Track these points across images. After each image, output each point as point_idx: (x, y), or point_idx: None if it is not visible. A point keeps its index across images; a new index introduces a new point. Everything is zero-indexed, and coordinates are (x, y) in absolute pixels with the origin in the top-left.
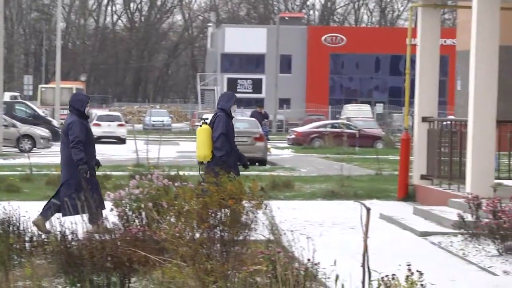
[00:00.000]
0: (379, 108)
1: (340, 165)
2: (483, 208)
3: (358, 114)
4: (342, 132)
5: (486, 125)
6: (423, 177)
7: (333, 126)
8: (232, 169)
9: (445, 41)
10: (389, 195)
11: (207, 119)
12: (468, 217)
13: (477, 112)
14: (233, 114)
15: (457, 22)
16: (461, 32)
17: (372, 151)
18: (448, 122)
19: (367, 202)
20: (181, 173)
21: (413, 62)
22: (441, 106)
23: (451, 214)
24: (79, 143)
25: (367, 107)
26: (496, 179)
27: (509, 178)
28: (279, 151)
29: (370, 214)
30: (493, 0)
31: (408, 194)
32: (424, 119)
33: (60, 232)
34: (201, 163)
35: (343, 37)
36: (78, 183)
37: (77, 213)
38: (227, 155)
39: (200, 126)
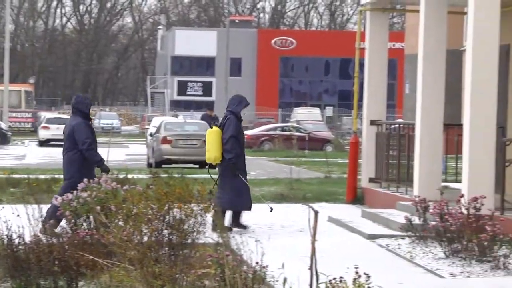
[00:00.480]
0: (329, 111)
1: (290, 168)
2: (430, 211)
3: (308, 117)
4: (291, 135)
5: (434, 128)
6: (371, 180)
7: (283, 129)
8: (241, 172)
9: (394, 45)
10: (338, 198)
11: (218, 121)
12: (416, 220)
13: (425, 115)
14: (183, 118)
15: (406, 26)
16: (409, 36)
17: (321, 154)
18: (396, 125)
19: (316, 205)
20: (129, 176)
21: (362, 65)
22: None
23: (399, 217)
24: (91, 145)
25: (316, 110)
26: (443, 182)
27: (456, 181)
28: None
29: (318, 217)
30: (440, 5)
31: (356, 197)
32: (372, 122)
33: (7, 236)
34: (210, 165)
35: (293, 40)
36: (78, 183)
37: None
38: (236, 157)
39: (211, 128)
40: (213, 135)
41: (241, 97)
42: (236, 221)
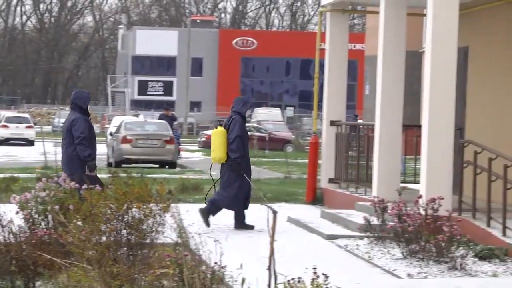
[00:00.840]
0: (290, 111)
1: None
2: (389, 211)
3: (269, 118)
4: (252, 135)
5: (393, 130)
6: (331, 180)
7: None
8: (245, 172)
9: (354, 46)
10: (297, 198)
11: (222, 121)
12: (374, 221)
13: (384, 116)
14: (143, 118)
15: (366, 27)
16: (369, 37)
17: (282, 154)
18: (356, 125)
19: (276, 205)
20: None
21: (322, 66)
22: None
23: (358, 217)
24: (84, 139)
25: (277, 111)
26: (402, 182)
27: (415, 182)
28: (190, 154)
29: (276, 217)
30: (399, 6)
31: (316, 198)
32: (332, 123)
33: None
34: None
35: (254, 40)
36: (79, 179)
37: None
38: (241, 157)
39: (216, 128)
40: (218, 135)
41: (246, 98)
42: (240, 222)
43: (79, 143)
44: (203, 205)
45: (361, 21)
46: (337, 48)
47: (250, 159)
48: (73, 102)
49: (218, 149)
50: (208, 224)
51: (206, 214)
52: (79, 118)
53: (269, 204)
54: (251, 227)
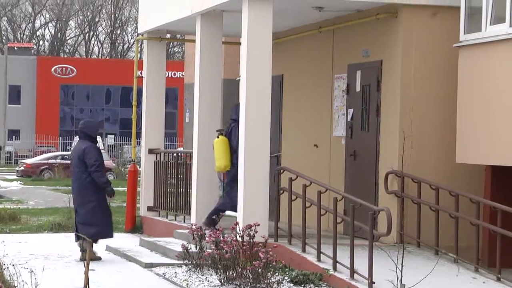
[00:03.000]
0: (111, 139)
1: (69, 197)
2: (206, 238)
3: None
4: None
5: (210, 157)
6: (150, 208)
7: (63, 157)
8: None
9: (174, 74)
10: (117, 226)
11: (222, 130)
12: (192, 248)
13: (201, 143)
14: None
15: (185, 56)
16: (188, 65)
17: None
18: (175, 154)
19: None
20: None
21: (141, 94)
22: (171, 137)
23: (176, 245)
24: (99, 166)
25: (98, 139)
26: None
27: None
28: (7, 183)
29: (92, 246)
30: (215, 35)
31: (135, 226)
32: (150, 151)
33: None
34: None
35: (73, 68)
36: (93, 207)
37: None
38: None
39: (217, 137)
40: (221, 144)
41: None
42: (210, 218)
43: (95, 170)
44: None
45: (182, 49)
46: (154, 75)
47: (70, 187)
48: (82, 131)
49: (224, 157)
50: (215, 223)
51: (213, 224)
52: (90, 147)
53: (81, 234)
54: (215, 223)
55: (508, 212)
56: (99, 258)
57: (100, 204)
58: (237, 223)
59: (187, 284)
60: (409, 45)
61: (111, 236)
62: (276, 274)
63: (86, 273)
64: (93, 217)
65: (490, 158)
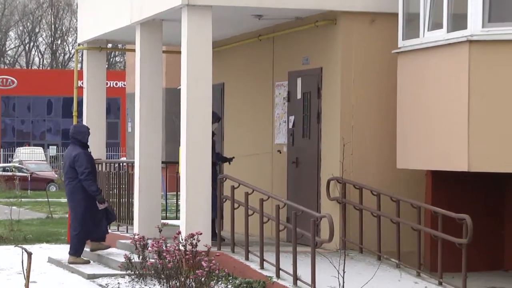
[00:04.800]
0: (52, 150)
1: (10, 208)
2: (149, 248)
3: (31, 157)
4: (14, 175)
5: (152, 166)
6: None
7: (4, 169)
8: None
9: (116, 84)
10: (59, 238)
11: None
12: (135, 258)
13: (143, 153)
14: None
15: (127, 65)
16: (129, 74)
17: (44, 194)
18: (117, 164)
19: (37, 246)
20: None
21: (82, 104)
22: (114, 148)
23: (119, 255)
24: (89, 174)
25: (39, 150)
26: (164, 219)
27: (177, 218)
28: None
29: (31, 258)
30: (155, 44)
31: None
32: None
33: None
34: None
35: (13, 79)
36: (82, 214)
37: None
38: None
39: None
40: None
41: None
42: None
43: (85, 178)
44: None
45: (123, 59)
46: (95, 85)
47: (11, 200)
48: (73, 137)
49: None
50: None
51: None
52: (80, 154)
53: (23, 246)
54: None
55: (448, 217)
56: (87, 262)
57: (89, 208)
58: (179, 232)
59: None
60: (348, 52)
61: (102, 238)
62: (220, 282)
63: (27, 286)
64: (82, 221)
65: (430, 163)
